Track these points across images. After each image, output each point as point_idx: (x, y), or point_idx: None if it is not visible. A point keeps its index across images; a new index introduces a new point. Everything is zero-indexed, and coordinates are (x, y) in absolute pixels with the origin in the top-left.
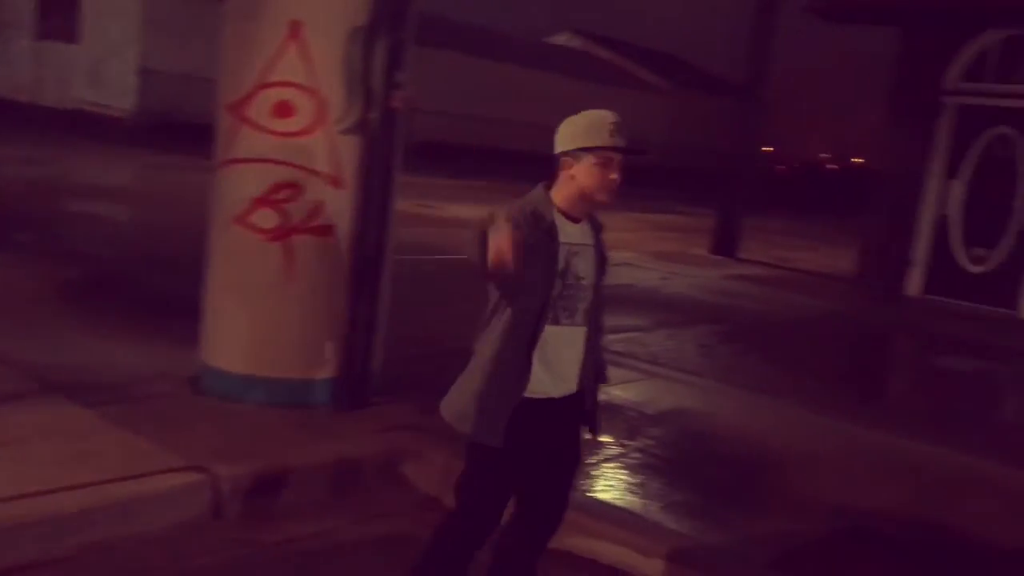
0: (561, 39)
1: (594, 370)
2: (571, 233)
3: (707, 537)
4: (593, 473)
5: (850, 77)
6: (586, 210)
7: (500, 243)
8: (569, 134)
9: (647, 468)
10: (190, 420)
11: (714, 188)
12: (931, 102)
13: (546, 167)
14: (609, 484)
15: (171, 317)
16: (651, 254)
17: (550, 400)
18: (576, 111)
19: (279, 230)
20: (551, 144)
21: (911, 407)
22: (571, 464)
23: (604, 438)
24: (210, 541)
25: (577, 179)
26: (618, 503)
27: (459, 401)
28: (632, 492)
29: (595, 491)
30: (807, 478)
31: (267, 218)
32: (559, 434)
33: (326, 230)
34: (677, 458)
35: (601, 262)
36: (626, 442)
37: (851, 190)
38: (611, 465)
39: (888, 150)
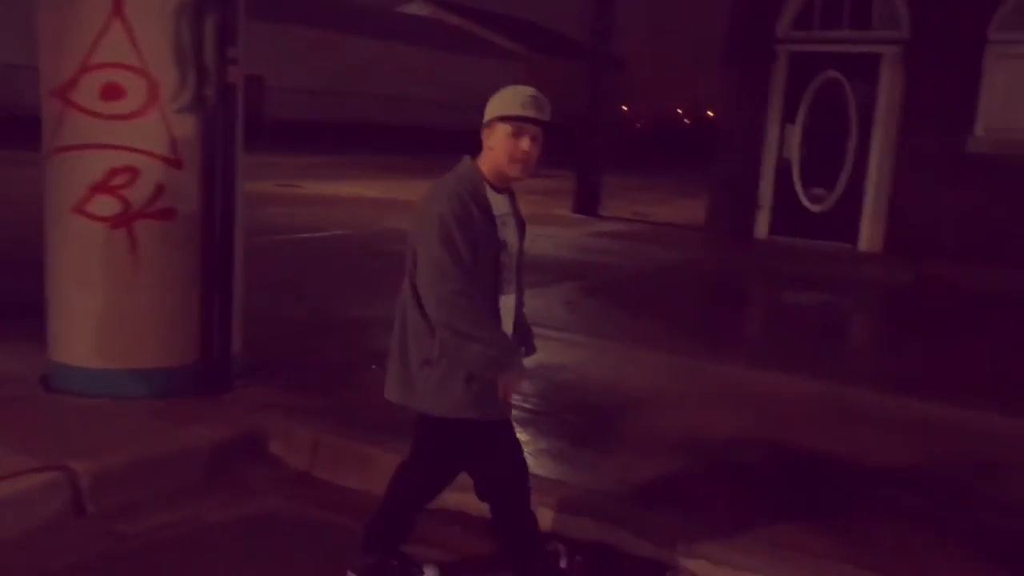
0: (412, 8)
1: (522, 333)
2: (499, 204)
3: (572, 479)
4: None
5: (701, 31)
6: (504, 180)
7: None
8: (490, 106)
9: (515, 420)
10: (44, 419)
11: (574, 150)
12: (765, 51)
13: (406, 138)
14: None
15: (15, 318)
16: None
17: None
18: (432, 82)
19: (120, 217)
20: (410, 116)
21: (763, 341)
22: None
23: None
24: (73, 539)
25: (494, 150)
26: None
27: (453, 392)
28: None
29: None
30: (669, 415)
31: (106, 205)
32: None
33: (169, 214)
34: (545, 409)
35: (521, 228)
36: None
37: (704, 143)
38: None
39: (728, 100)
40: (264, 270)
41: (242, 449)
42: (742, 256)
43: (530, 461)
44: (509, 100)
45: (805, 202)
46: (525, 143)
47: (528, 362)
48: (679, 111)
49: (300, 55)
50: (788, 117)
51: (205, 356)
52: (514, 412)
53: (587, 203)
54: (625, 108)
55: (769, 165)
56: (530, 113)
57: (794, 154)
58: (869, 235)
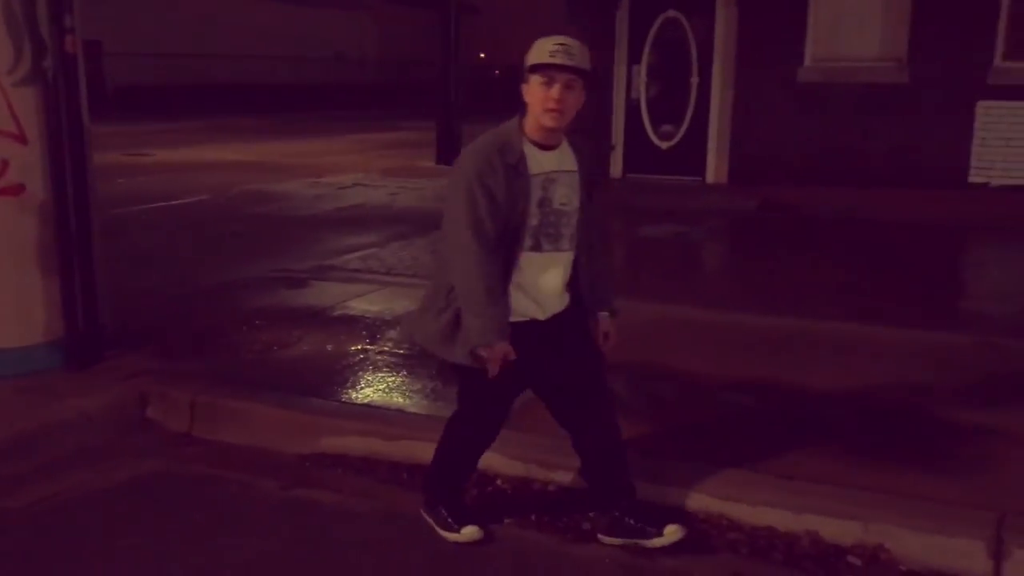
0: None
1: (592, 285)
2: (545, 161)
3: (445, 411)
4: (337, 378)
5: None
6: (549, 135)
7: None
8: (526, 60)
9: (389, 366)
10: None
11: (433, 101)
12: None
13: (256, 99)
14: (353, 385)
15: None
16: (379, 172)
17: (535, 322)
18: (279, 37)
19: None
20: (257, 75)
21: (624, 271)
22: (589, 361)
23: (354, 346)
24: None
25: (530, 103)
26: (362, 401)
27: (460, 337)
28: (376, 389)
29: (340, 394)
30: None
31: None
32: (557, 348)
33: (17, 190)
34: (417, 354)
35: (587, 186)
36: (367, 346)
37: None
38: (354, 369)
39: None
40: (123, 241)
41: (119, 416)
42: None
43: (407, 401)
44: (537, 50)
45: (655, 140)
46: (556, 91)
47: (399, 309)
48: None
49: (138, 17)
50: (634, 58)
51: (71, 330)
52: (385, 359)
53: (450, 153)
54: (482, 56)
55: (619, 106)
56: (558, 60)
57: (641, 94)
58: (715, 167)
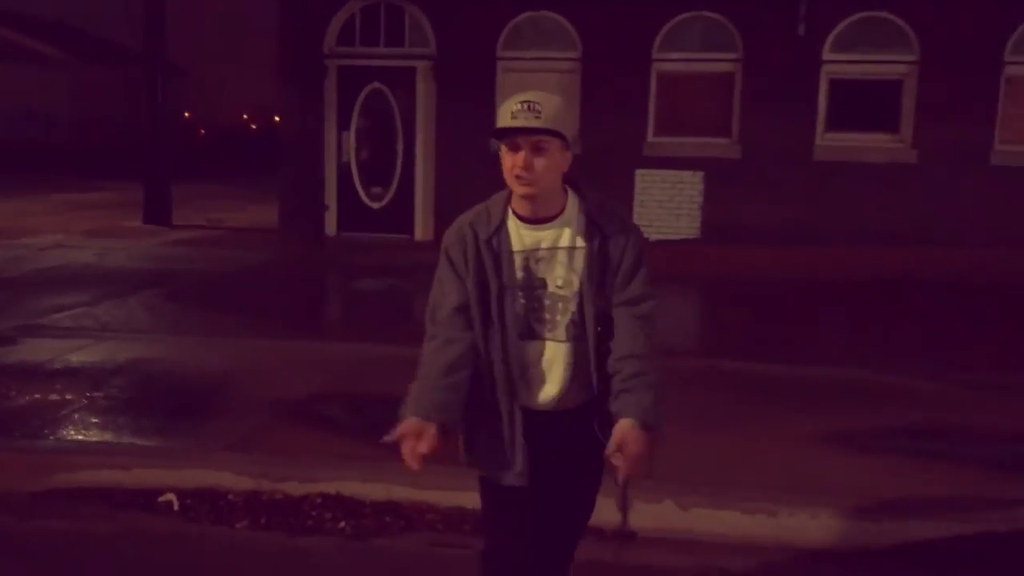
0: None
1: (608, 387)
2: (529, 237)
3: (173, 442)
4: (65, 423)
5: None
6: (536, 207)
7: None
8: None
9: (113, 409)
10: None
11: (137, 160)
12: (316, 64)
13: None
14: (81, 428)
15: None
16: (82, 233)
17: (527, 411)
18: None
19: None
20: None
21: (335, 319)
22: (571, 496)
23: (74, 396)
24: None
25: (504, 173)
26: (93, 440)
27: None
28: (103, 429)
29: (69, 436)
30: (255, 385)
31: None
32: (554, 458)
33: None
34: (140, 396)
35: (597, 265)
36: (91, 394)
37: (273, 149)
38: (80, 414)
39: (287, 109)
40: None
41: None
42: (315, 253)
43: (136, 436)
44: (501, 113)
45: (366, 200)
46: (520, 157)
47: (120, 360)
48: (245, 117)
49: None
50: (343, 124)
51: None
52: (108, 403)
53: (158, 213)
54: (188, 115)
55: (331, 169)
56: (519, 122)
57: (352, 158)
58: (422, 226)
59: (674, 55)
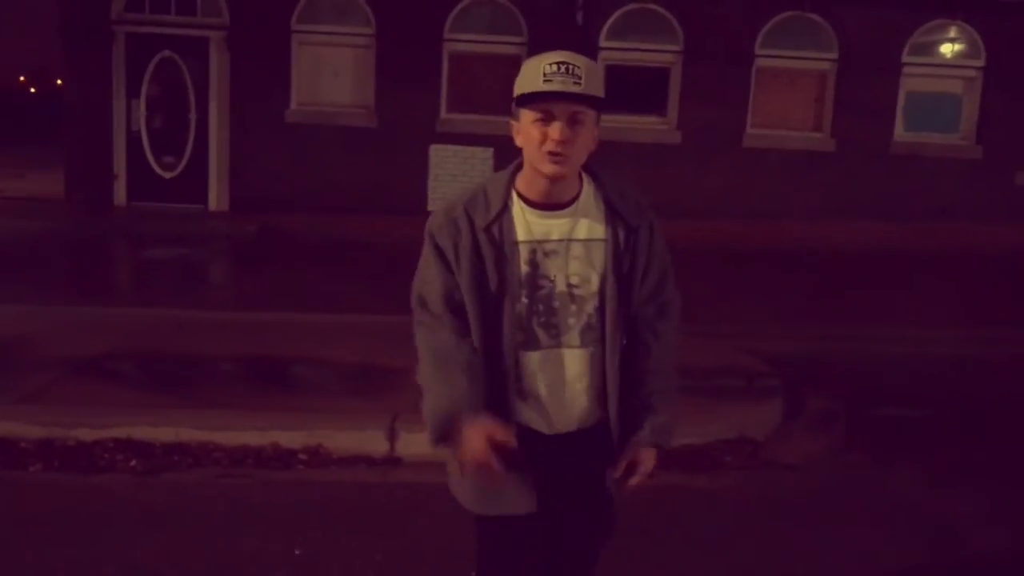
0: None
1: (627, 402)
2: (539, 226)
3: None
4: None
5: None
6: (552, 190)
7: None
8: (515, 89)
9: None
10: None
11: None
12: (102, 31)
13: None
14: None
15: None
16: None
17: (540, 436)
18: None
19: None
20: None
21: (126, 287)
22: (585, 521)
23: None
24: None
25: (523, 148)
26: None
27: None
28: None
29: None
30: (45, 346)
31: None
32: (564, 480)
33: None
34: None
35: (619, 259)
36: None
37: (55, 114)
38: None
39: (72, 75)
40: None
41: None
42: (102, 222)
43: None
44: (528, 74)
45: (158, 170)
46: (556, 129)
47: None
48: (23, 79)
49: None
50: (133, 92)
51: None
52: None
53: None
54: None
55: (120, 137)
56: (556, 86)
57: (142, 126)
58: (217, 196)
59: (465, 36)
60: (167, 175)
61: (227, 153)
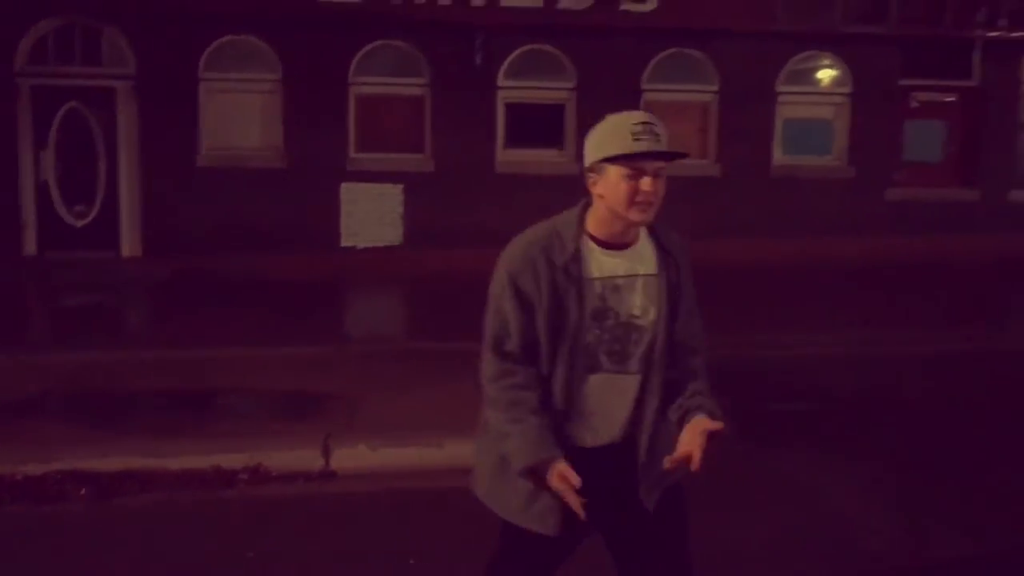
0: None
1: (657, 428)
2: (609, 263)
3: None
4: None
5: None
6: (624, 232)
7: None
8: (592, 144)
9: None
10: None
11: None
12: (7, 84)
13: None
14: None
15: None
16: None
17: (578, 448)
18: None
19: None
20: None
21: (51, 336)
22: (663, 516)
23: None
24: None
25: (606, 198)
26: None
27: (493, 483)
28: None
29: None
30: None
31: None
32: (609, 497)
33: None
34: None
35: (672, 293)
36: None
37: None
38: None
39: None
40: None
41: None
42: (13, 272)
43: None
44: (615, 134)
45: (68, 218)
46: (647, 183)
47: None
48: None
49: None
50: (40, 143)
51: None
52: None
53: None
54: None
55: (29, 187)
56: (645, 147)
57: (51, 176)
58: (130, 242)
59: (370, 79)
60: (79, 223)
61: (138, 199)
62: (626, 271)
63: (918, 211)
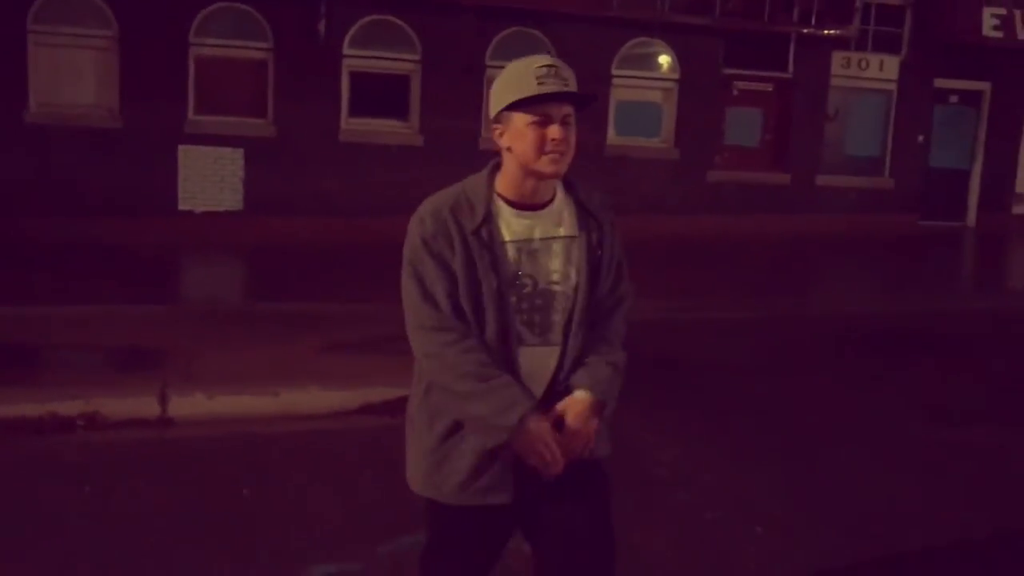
0: None
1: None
2: (522, 226)
3: None
4: None
5: None
6: (536, 191)
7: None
8: (495, 92)
9: None
10: None
11: None
12: None
13: None
14: None
15: None
16: None
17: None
18: None
19: None
20: None
21: None
22: (582, 495)
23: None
24: None
25: (513, 150)
26: None
27: (417, 459)
28: None
29: None
30: None
31: None
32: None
33: None
34: None
35: (592, 255)
36: None
37: None
38: None
39: None
40: None
41: None
42: None
43: None
44: (518, 79)
45: None
46: (556, 131)
47: None
48: None
49: None
50: None
51: None
52: None
53: None
54: None
55: None
56: (549, 89)
57: None
58: None
59: (211, 40)
60: None
61: None
62: (543, 233)
63: (736, 192)
